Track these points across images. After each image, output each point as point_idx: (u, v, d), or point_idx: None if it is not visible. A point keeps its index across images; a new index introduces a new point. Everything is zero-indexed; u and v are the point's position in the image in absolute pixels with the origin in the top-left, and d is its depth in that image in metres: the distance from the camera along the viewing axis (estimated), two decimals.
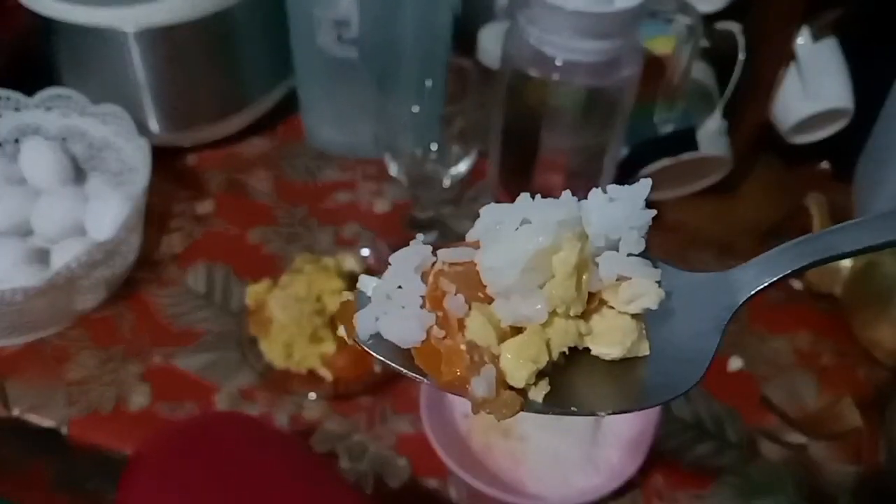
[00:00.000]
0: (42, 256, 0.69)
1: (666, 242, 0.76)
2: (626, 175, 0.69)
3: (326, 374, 0.62)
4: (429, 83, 0.68)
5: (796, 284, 0.73)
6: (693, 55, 0.59)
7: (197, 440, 0.49)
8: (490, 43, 0.80)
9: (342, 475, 0.57)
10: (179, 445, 0.49)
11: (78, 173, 0.77)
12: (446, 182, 0.70)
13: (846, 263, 0.68)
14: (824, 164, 0.83)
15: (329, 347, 0.62)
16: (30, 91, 0.76)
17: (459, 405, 0.60)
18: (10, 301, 0.59)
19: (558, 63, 0.56)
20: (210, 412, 0.61)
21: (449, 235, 0.76)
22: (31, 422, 0.61)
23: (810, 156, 0.82)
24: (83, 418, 0.60)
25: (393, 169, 0.71)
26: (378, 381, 0.63)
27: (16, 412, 0.61)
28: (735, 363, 0.67)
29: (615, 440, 0.58)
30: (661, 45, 0.66)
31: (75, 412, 0.61)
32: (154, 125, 0.78)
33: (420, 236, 0.75)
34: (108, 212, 0.68)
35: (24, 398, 0.62)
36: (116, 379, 0.63)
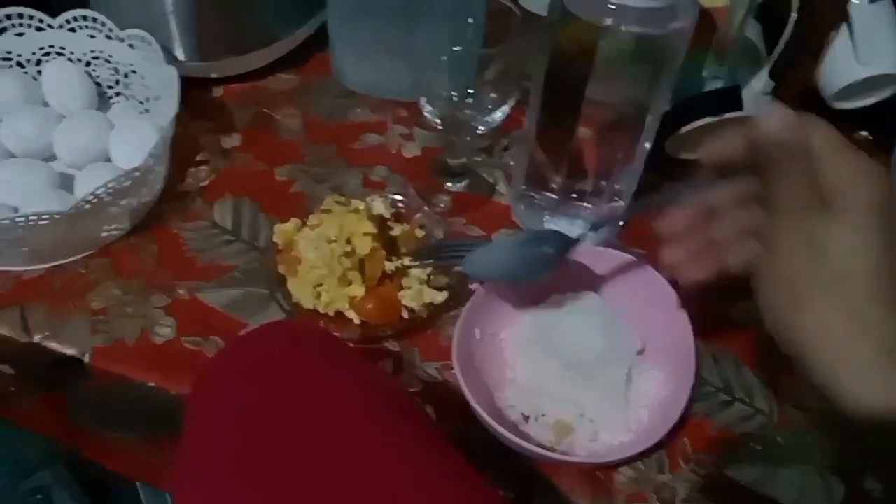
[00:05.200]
0: (66, 182, 0.67)
1: None
2: (665, 131, 0.67)
3: (354, 317, 0.61)
4: (470, 21, 0.66)
5: None
6: (750, 11, 0.56)
7: (268, 354, 0.47)
8: None
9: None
10: (251, 360, 0.47)
11: (101, 98, 0.75)
12: (480, 129, 0.68)
13: None
14: (863, 133, 0.81)
15: (358, 291, 0.61)
16: (54, 12, 0.73)
17: (491, 357, 0.59)
18: (34, 226, 0.57)
19: (611, 6, 0.54)
20: (280, 323, 0.58)
21: (479, 184, 0.74)
22: (53, 349, 0.60)
23: (851, 122, 0.80)
24: (107, 348, 0.60)
25: (427, 112, 0.69)
26: (405, 327, 0.62)
27: (37, 338, 0.60)
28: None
29: (647, 400, 0.57)
30: None
31: (98, 341, 0.60)
32: (181, 53, 0.75)
33: (450, 184, 0.74)
34: (135, 139, 0.66)
35: (45, 325, 0.61)
36: (140, 311, 0.62)
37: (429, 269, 0.63)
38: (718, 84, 0.63)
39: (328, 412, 0.43)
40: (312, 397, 0.44)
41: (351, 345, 0.61)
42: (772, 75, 0.68)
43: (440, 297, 0.62)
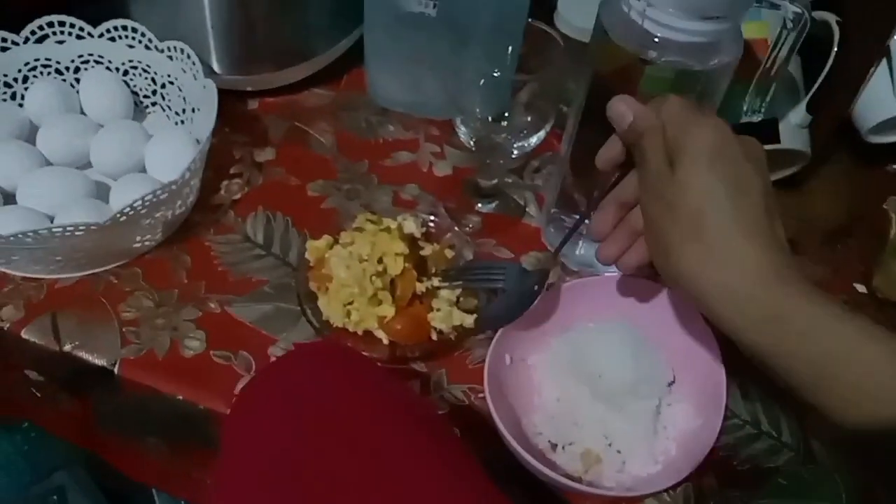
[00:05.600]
0: (101, 191, 0.68)
1: None
2: None
3: (383, 337, 0.61)
4: (510, 48, 0.66)
5: (860, 288, 0.71)
6: (796, 45, 0.56)
7: (299, 376, 0.48)
8: (569, 10, 0.77)
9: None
10: (284, 383, 0.47)
11: (137, 108, 0.76)
12: (515, 153, 0.68)
13: None
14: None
15: (388, 311, 0.61)
16: (93, 21, 0.74)
17: (519, 382, 0.59)
18: (70, 236, 0.58)
19: (656, 40, 0.54)
20: (308, 345, 0.60)
21: (509, 206, 0.74)
22: (82, 358, 0.60)
23: (884, 156, 0.79)
24: (136, 359, 0.60)
25: (461, 133, 0.69)
26: (434, 349, 0.62)
27: (67, 347, 0.60)
28: None
29: (675, 433, 0.57)
30: (752, 30, 0.63)
31: (128, 352, 0.60)
32: (218, 66, 0.76)
33: (480, 205, 0.74)
34: (171, 151, 0.67)
35: (76, 334, 0.61)
36: (170, 323, 0.62)
37: (458, 291, 0.63)
38: (758, 118, 0.62)
39: (365, 436, 0.44)
40: (350, 421, 0.44)
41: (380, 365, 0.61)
42: (808, 108, 0.68)
43: (469, 319, 0.62)
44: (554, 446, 0.56)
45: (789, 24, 0.56)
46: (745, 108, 0.62)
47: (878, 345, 0.39)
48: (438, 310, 0.62)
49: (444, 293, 0.63)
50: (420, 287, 0.61)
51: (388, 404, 0.46)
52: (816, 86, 0.67)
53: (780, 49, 0.57)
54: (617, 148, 0.50)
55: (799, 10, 0.55)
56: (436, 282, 0.62)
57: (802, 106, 0.67)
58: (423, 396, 0.59)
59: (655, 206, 0.45)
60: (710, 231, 0.41)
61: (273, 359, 0.60)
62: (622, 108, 0.47)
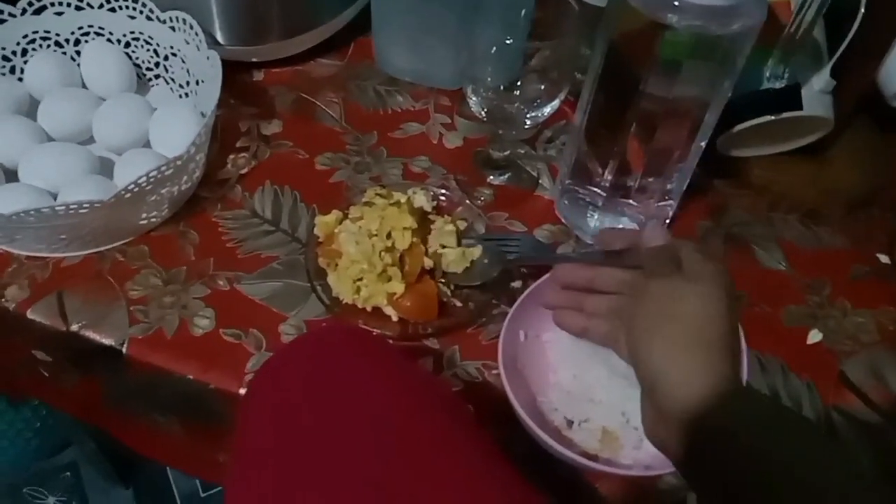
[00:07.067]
0: (104, 166, 0.66)
1: (751, 202, 0.72)
2: (721, 128, 0.65)
3: (392, 314, 0.60)
4: (522, 13, 0.64)
5: (883, 258, 0.70)
6: (822, 8, 0.54)
7: (316, 358, 0.47)
8: None
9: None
10: (301, 364, 0.47)
11: (140, 80, 0.74)
12: (528, 124, 0.66)
13: None
14: None
15: (397, 287, 0.59)
16: None
17: (534, 359, 0.58)
18: (74, 214, 0.56)
19: (676, 3, 0.52)
20: (325, 328, 0.59)
21: (522, 178, 0.72)
22: (90, 337, 0.59)
23: None
24: (144, 338, 0.59)
25: (472, 103, 0.67)
26: (446, 326, 0.60)
27: (74, 327, 0.59)
28: (814, 336, 0.64)
29: None
30: None
31: (136, 331, 0.59)
32: (221, 37, 0.74)
33: (492, 177, 0.72)
34: (176, 125, 0.65)
35: (83, 313, 0.60)
36: (179, 301, 0.61)
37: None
38: (780, 83, 0.60)
39: (386, 415, 0.43)
40: (370, 401, 0.44)
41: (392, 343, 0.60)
42: (833, 73, 0.65)
43: (477, 252, 0.61)
44: (570, 423, 0.55)
45: None
46: (766, 74, 0.59)
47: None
48: (444, 246, 0.62)
49: (448, 231, 0.62)
50: (428, 262, 0.60)
51: (406, 384, 0.46)
52: (841, 50, 0.64)
53: (806, 13, 0.55)
54: (629, 243, 0.52)
55: None
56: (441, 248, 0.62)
57: (826, 71, 0.65)
58: (437, 376, 0.58)
59: (661, 291, 0.48)
60: (689, 332, 0.45)
61: (284, 336, 0.59)
62: (657, 235, 0.51)
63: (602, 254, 0.54)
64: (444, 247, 0.62)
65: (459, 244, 0.63)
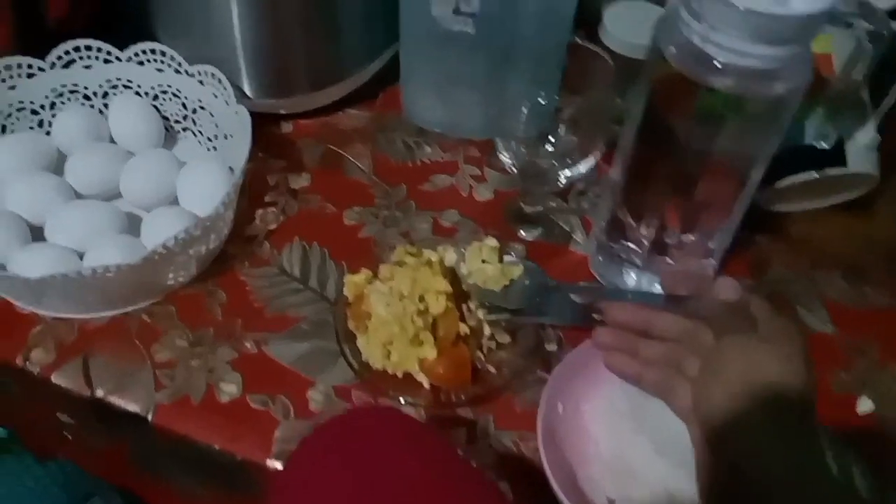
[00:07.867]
0: (132, 222, 0.65)
1: (792, 258, 0.70)
2: (763, 183, 0.63)
3: (423, 381, 0.58)
4: (553, 67, 0.62)
5: None
6: (872, 65, 0.52)
7: (349, 441, 0.46)
8: (615, 24, 0.74)
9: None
10: (333, 449, 0.45)
11: (168, 133, 0.73)
12: (562, 181, 0.65)
13: None
14: None
15: (429, 353, 0.57)
16: (120, 44, 0.71)
17: (573, 431, 0.55)
18: (101, 277, 0.55)
19: (718, 65, 0.50)
20: (360, 409, 0.57)
21: (554, 231, 0.71)
22: (115, 404, 0.58)
23: None
24: (171, 405, 0.57)
25: (503, 156, 0.65)
26: (480, 393, 0.58)
27: (99, 393, 0.58)
28: (865, 405, 0.61)
29: None
30: (814, 45, 0.59)
31: (162, 397, 0.58)
32: (249, 90, 0.73)
33: (524, 232, 0.70)
34: (205, 182, 0.64)
35: (109, 378, 0.59)
36: (206, 364, 0.59)
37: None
38: (826, 144, 0.58)
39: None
40: (408, 488, 0.42)
41: (423, 412, 0.58)
42: (879, 128, 0.63)
43: (517, 271, 0.61)
44: (612, 502, 0.53)
45: (865, 43, 0.52)
46: (812, 133, 0.57)
47: None
48: (484, 261, 0.62)
49: (490, 247, 0.62)
50: (464, 328, 0.58)
51: (446, 473, 0.44)
52: (887, 104, 0.62)
53: (853, 72, 0.53)
54: (697, 291, 0.51)
55: (873, 28, 0.50)
56: (481, 314, 0.59)
57: (872, 126, 0.63)
58: (471, 462, 0.56)
59: (737, 353, 0.45)
60: (773, 401, 0.43)
61: (312, 403, 0.58)
62: (729, 288, 0.48)
63: (663, 297, 0.51)
64: (484, 262, 0.61)
65: (501, 261, 0.61)
